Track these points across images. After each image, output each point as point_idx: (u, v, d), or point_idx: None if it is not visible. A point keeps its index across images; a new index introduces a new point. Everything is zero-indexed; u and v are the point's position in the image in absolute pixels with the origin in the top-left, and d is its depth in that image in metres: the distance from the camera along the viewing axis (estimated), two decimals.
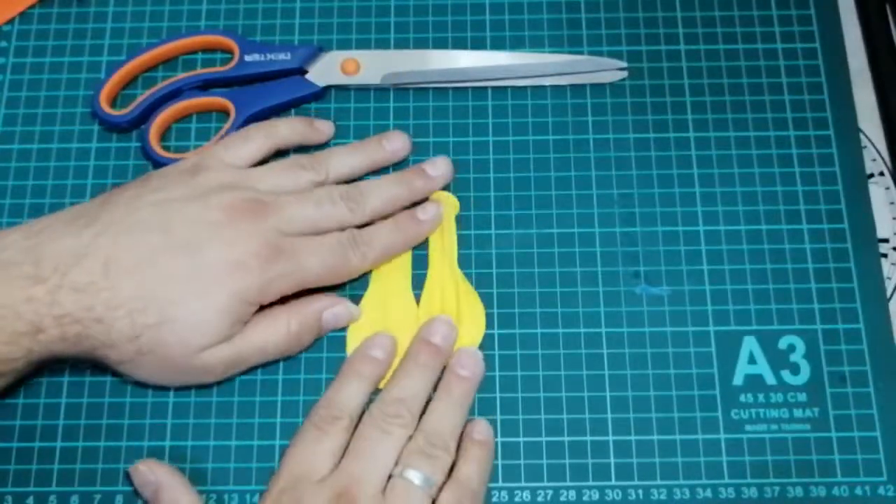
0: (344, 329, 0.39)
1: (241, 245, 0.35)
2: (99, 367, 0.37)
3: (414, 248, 0.40)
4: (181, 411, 0.38)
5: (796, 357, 0.38)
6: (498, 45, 0.44)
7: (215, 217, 0.35)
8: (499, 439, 0.37)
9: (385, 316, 0.39)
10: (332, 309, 0.38)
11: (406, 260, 0.40)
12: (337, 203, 0.37)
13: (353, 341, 0.39)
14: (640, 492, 0.36)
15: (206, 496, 0.36)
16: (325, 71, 0.43)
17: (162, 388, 0.37)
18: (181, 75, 0.43)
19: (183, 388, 0.37)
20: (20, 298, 0.32)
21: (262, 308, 0.36)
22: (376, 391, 0.37)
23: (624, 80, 0.43)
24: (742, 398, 0.38)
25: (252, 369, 0.38)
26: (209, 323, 0.34)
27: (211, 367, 0.35)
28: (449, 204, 0.40)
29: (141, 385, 0.37)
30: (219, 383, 0.37)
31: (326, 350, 0.38)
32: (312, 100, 0.43)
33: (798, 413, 0.37)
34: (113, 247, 0.34)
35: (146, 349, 0.34)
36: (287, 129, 0.40)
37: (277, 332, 0.36)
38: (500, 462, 0.37)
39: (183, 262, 0.34)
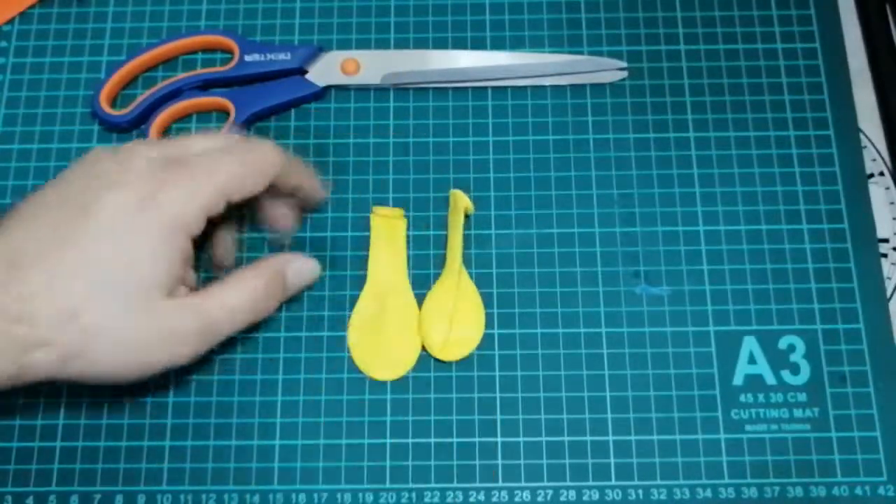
0: (343, 329, 0.39)
1: (126, 179, 0.32)
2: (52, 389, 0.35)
3: (414, 248, 0.40)
4: (181, 411, 0.38)
5: (796, 357, 0.38)
6: (498, 45, 0.44)
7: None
8: (499, 439, 0.37)
9: (384, 314, 0.39)
10: (293, 264, 0.37)
11: (401, 257, 0.40)
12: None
13: (353, 340, 0.39)
14: (640, 492, 0.36)
15: (205, 496, 0.36)
16: (325, 71, 0.43)
17: (133, 381, 0.33)
18: (181, 75, 0.43)
19: (158, 376, 0.33)
20: None
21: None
22: None
23: (624, 80, 0.43)
24: (742, 398, 0.38)
25: (229, 347, 0.37)
26: (141, 260, 0.31)
27: (179, 331, 0.32)
28: (460, 203, 0.39)
29: (114, 387, 0.35)
30: (198, 365, 0.36)
31: (326, 350, 0.39)
32: (312, 100, 0.43)
33: (798, 413, 0.37)
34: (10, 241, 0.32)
35: (89, 323, 0.30)
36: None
37: (243, 291, 0.34)
38: (500, 462, 0.37)
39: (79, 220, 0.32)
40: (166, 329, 0.32)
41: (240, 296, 0.34)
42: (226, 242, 0.39)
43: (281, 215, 0.39)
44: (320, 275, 0.39)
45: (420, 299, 0.39)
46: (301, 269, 0.38)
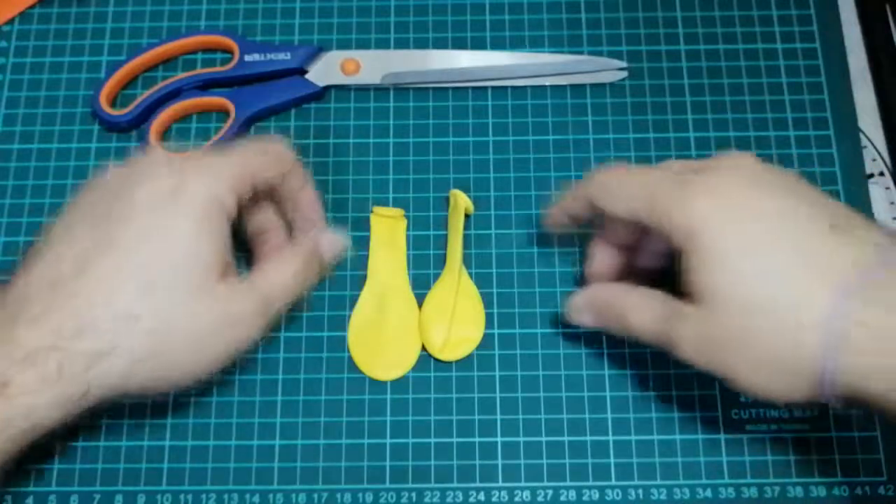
0: (343, 329, 0.39)
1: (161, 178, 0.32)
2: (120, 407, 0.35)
3: (414, 248, 0.40)
4: (181, 411, 0.38)
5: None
6: (498, 45, 0.44)
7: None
8: (499, 439, 0.37)
9: (384, 314, 0.39)
10: (324, 238, 0.37)
11: (401, 257, 0.40)
12: None
13: (353, 340, 0.39)
14: (640, 492, 0.36)
15: (205, 496, 0.36)
16: (325, 71, 0.43)
17: (202, 377, 0.32)
18: (181, 75, 0.43)
19: (227, 367, 0.33)
20: None
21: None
22: None
23: (624, 80, 0.43)
24: (742, 398, 0.38)
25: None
26: (188, 247, 0.31)
27: (239, 314, 0.32)
28: (461, 203, 0.39)
29: (181, 390, 0.33)
30: (263, 346, 0.36)
31: (326, 350, 0.39)
32: (312, 100, 0.43)
33: (798, 413, 0.37)
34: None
35: (151, 322, 0.30)
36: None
37: (288, 267, 0.34)
38: (500, 462, 0.37)
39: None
40: (227, 313, 0.31)
41: (286, 271, 0.34)
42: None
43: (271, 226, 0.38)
44: (349, 248, 0.39)
45: (420, 299, 0.39)
46: (332, 241, 0.37)
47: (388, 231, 0.40)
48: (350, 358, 0.38)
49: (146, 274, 0.30)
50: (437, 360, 0.38)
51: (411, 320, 0.39)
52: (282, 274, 0.34)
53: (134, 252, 0.30)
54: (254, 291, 0.33)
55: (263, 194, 0.36)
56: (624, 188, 0.33)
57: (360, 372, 0.38)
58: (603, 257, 0.37)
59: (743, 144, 0.42)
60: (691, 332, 0.30)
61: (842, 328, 0.27)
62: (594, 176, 0.34)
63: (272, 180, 0.35)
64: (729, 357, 0.30)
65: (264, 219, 0.38)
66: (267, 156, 0.35)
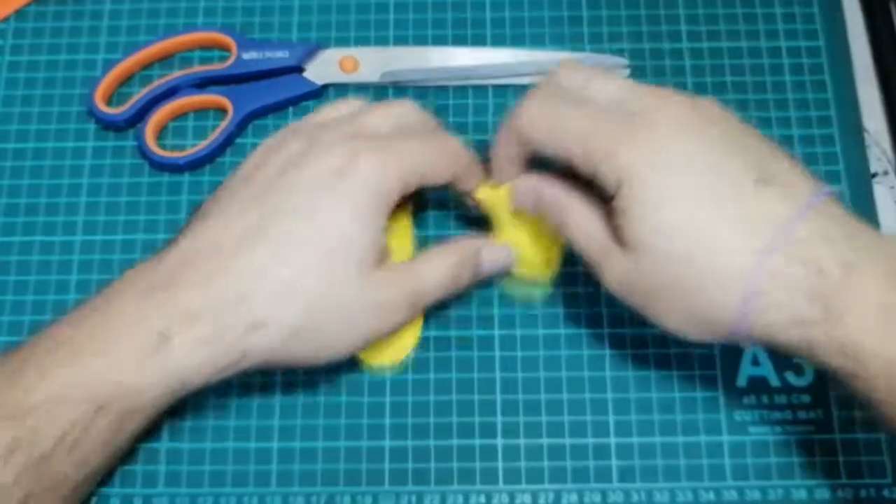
0: None
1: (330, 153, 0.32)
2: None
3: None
4: (178, 413, 0.37)
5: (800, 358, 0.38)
6: (499, 42, 0.44)
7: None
8: (500, 441, 0.37)
9: None
10: (489, 248, 0.36)
11: (406, 250, 0.39)
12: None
13: None
14: (643, 494, 0.36)
15: (202, 499, 0.36)
16: (324, 69, 0.43)
17: (347, 356, 0.33)
18: (178, 73, 0.42)
19: (371, 348, 0.34)
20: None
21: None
22: None
23: (626, 78, 0.43)
24: (745, 400, 0.37)
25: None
26: (350, 228, 0.31)
27: (391, 301, 0.32)
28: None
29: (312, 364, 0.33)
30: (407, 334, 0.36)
31: None
32: (310, 98, 0.43)
33: (802, 415, 0.37)
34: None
35: (309, 297, 0.31)
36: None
37: (443, 263, 0.34)
38: (500, 465, 0.37)
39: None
40: (377, 299, 0.32)
41: (440, 266, 0.34)
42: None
43: None
44: (509, 266, 0.37)
45: None
46: (495, 254, 0.36)
47: (393, 224, 0.39)
48: (349, 359, 0.38)
49: (306, 253, 0.31)
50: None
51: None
52: (435, 270, 0.34)
53: (296, 230, 0.31)
54: (406, 283, 0.33)
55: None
56: (557, 129, 0.32)
57: (357, 368, 0.38)
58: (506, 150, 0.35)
59: None
60: (618, 273, 0.31)
61: (760, 283, 0.28)
62: (521, 109, 0.33)
63: (442, 179, 0.34)
64: (651, 302, 0.31)
65: None
66: (443, 155, 0.34)
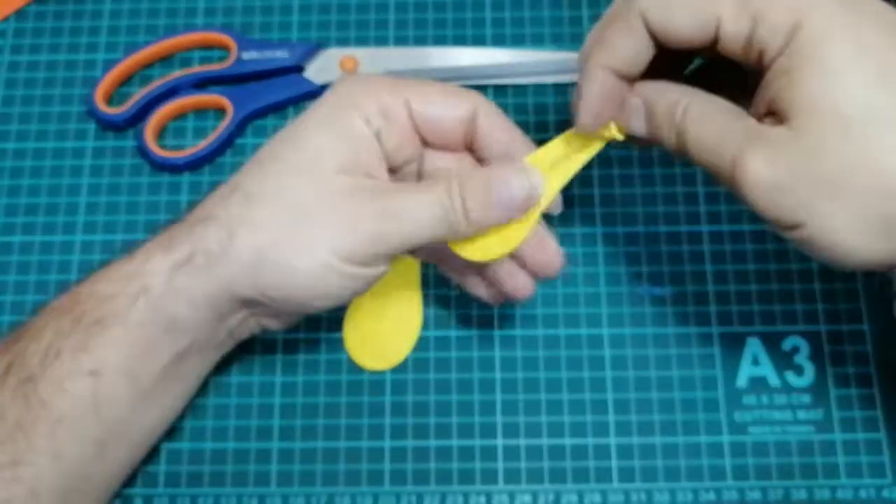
0: (341, 330, 0.38)
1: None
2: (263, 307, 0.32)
3: None
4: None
5: (800, 358, 0.38)
6: (499, 42, 0.44)
7: None
8: (500, 442, 0.37)
9: (383, 300, 0.38)
10: (503, 177, 0.29)
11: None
12: None
13: (350, 340, 0.38)
14: (643, 494, 0.36)
15: (202, 500, 0.36)
16: (324, 68, 0.43)
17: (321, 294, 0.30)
18: (178, 73, 0.42)
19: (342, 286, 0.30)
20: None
21: None
22: None
23: None
24: (745, 400, 0.37)
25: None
26: (324, 145, 0.30)
27: (355, 213, 0.29)
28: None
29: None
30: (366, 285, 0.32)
31: (325, 352, 0.38)
32: (310, 98, 0.43)
33: (802, 415, 0.37)
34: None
35: (265, 205, 0.29)
36: None
37: (437, 195, 0.29)
38: (501, 465, 0.37)
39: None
40: (340, 208, 0.29)
41: (430, 209, 0.29)
42: None
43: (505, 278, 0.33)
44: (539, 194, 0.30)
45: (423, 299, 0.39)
46: (514, 186, 0.29)
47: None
48: (349, 359, 0.38)
49: (278, 163, 0.30)
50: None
51: (410, 310, 0.38)
52: (415, 206, 0.29)
53: (290, 152, 0.31)
54: (375, 202, 0.29)
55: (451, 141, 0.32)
56: None
57: (357, 368, 0.38)
58: (605, 85, 0.28)
59: None
60: (770, 163, 0.24)
61: None
62: None
63: (439, 116, 0.31)
64: (815, 199, 0.23)
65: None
66: (434, 87, 0.31)
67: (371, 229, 0.29)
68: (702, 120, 0.26)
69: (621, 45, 0.27)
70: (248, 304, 0.31)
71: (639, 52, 0.26)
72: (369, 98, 0.31)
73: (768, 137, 0.24)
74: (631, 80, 0.28)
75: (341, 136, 0.30)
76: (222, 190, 0.31)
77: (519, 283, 0.33)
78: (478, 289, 0.35)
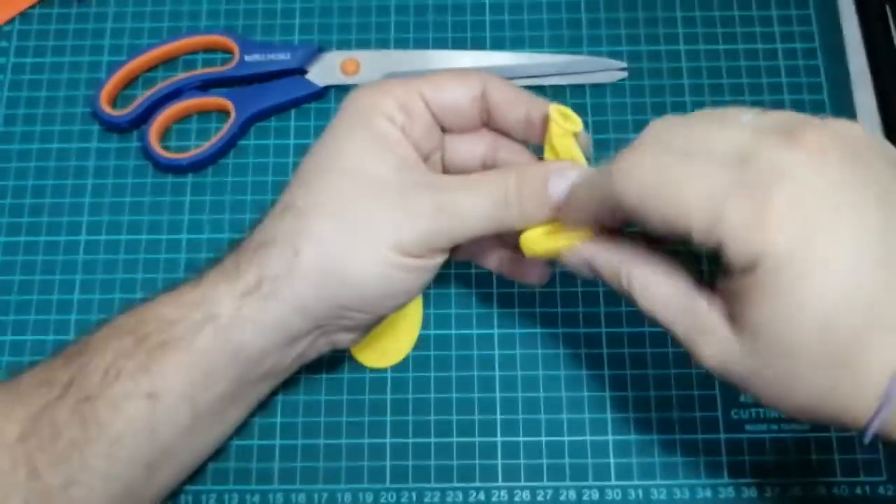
0: None
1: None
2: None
3: None
4: None
5: None
6: (498, 45, 0.44)
7: None
8: (499, 439, 0.37)
9: None
10: (561, 172, 0.30)
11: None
12: None
13: None
14: (640, 492, 0.36)
15: (206, 496, 0.36)
16: (326, 71, 0.43)
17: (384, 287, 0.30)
18: (181, 75, 0.43)
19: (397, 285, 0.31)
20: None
21: None
22: None
23: (624, 80, 0.43)
24: (742, 398, 0.38)
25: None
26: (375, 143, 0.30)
27: (412, 207, 0.30)
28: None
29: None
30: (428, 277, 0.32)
31: None
32: (312, 100, 0.43)
33: None
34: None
35: (310, 218, 0.30)
36: None
37: (492, 190, 0.30)
38: (499, 462, 0.37)
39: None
40: (399, 205, 0.30)
41: (486, 199, 0.30)
42: None
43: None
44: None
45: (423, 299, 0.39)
46: (571, 179, 0.30)
47: None
48: (350, 358, 0.38)
49: (321, 176, 0.31)
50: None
51: (411, 308, 0.39)
52: (472, 197, 0.30)
53: (333, 159, 0.31)
54: (430, 197, 0.30)
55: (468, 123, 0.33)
56: (672, 191, 0.25)
57: (357, 364, 0.38)
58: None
59: None
60: (720, 353, 0.26)
61: None
62: (624, 166, 0.26)
63: (453, 99, 0.32)
64: (760, 385, 0.26)
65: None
66: (442, 75, 0.32)
67: (427, 225, 0.30)
68: (645, 290, 0.27)
69: (594, 212, 0.29)
70: (320, 320, 0.31)
71: (612, 220, 0.29)
72: (386, 98, 0.31)
73: (718, 335, 0.26)
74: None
75: (373, 138, 0.31)
76: (273, 212, 0.31)
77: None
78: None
